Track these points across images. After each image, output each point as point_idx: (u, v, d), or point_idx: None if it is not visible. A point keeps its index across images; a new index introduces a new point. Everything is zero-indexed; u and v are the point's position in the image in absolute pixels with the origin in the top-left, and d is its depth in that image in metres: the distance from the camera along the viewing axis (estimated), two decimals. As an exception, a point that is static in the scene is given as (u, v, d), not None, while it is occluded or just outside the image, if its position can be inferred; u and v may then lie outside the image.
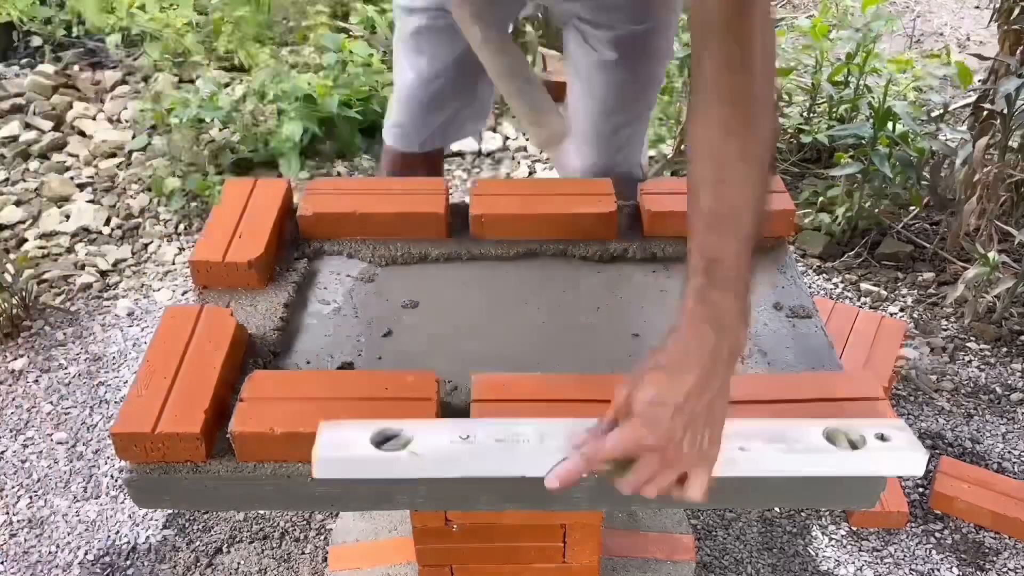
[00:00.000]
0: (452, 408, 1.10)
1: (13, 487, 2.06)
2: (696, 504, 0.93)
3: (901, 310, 2.54)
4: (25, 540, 1.94)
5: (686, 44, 2.92)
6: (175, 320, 1.18)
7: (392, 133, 1.76)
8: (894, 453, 0.96)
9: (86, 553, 1.91)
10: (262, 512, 1.96)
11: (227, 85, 3.45)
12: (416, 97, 1.67)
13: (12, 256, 2.65)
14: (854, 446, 0.96)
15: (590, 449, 0.88)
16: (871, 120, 2.63)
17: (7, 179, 3.10)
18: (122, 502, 2.02)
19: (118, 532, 1.95)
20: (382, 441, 0.96)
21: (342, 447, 0.95)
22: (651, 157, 3.14)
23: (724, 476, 0.93)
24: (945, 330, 2.45)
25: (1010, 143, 2.48)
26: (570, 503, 1.07)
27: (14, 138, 3.28)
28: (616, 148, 1.63)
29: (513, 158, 3.22)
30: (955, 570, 1.84)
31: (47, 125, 3.36)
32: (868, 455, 0.96)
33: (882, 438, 0.96)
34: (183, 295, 2.63)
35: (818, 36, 2.99)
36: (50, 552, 1.92)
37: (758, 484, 1.06)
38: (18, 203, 2.98)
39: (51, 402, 2.28)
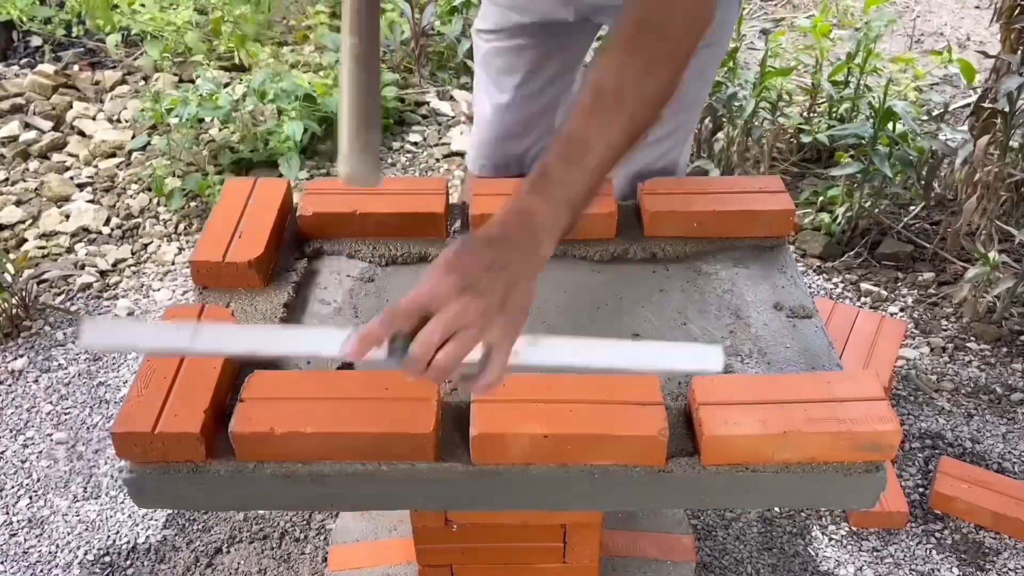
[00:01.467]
0: (452, 408, 1.10)
1: (13, 487, 2.06)
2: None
3: (901, 310, 2.54)
4: (25, 540, 1.94)
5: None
6: (175, 320, 1.18)
7: (473, 161, 1.77)
8: (690, 348, 1.05)
9: (86, 553, 1.91)
10: (262, 512, 1.96)
11: (227, 85, 3.45)
12: (492, 127, 1.68)
13: (12, 256, 2.65)
14: None
15: (387, 311, 0.85)
16: (871, 120, 2.63)
17: (7, 179, 3.10)
18: (122, 502, 2.02)
19: (118, 532, 1.95)
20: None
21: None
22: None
23: (523, 364, 0.91)
24: (945, 330, 2.45)
25: (1011, 142, 2.48)
26: (570, 503, 1.07)
27: (14, 138, 3.28)
28: (666, 148, 1.59)
29: (513, 158, 3.22)
30: (955, 570, 1.84)
31: (47, 125, 3.36)
32: (662, 347, 1.04)
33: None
34: (183, 295, 2.63)
35: (819, 35, 2.99)
36: (50, 552, 1.92)
37: (758, 484, 1.06)
38: (18, 203, 2.98)
39: (51, 402, 2.28)
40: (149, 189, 3.01)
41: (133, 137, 3.25)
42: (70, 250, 2.81)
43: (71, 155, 3.23)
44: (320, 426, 1.02)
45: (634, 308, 1.29)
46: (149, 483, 1.05)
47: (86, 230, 2.88)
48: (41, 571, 1.88)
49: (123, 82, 3.66)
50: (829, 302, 2.34)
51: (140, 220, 2.93)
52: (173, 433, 1.02)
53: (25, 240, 2.83)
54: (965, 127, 2.78)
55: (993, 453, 2.09)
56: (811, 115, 3.11)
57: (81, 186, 3.07)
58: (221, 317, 1.18)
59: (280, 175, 2.93)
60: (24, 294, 2.52)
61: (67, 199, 3.00)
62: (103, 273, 2.72)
